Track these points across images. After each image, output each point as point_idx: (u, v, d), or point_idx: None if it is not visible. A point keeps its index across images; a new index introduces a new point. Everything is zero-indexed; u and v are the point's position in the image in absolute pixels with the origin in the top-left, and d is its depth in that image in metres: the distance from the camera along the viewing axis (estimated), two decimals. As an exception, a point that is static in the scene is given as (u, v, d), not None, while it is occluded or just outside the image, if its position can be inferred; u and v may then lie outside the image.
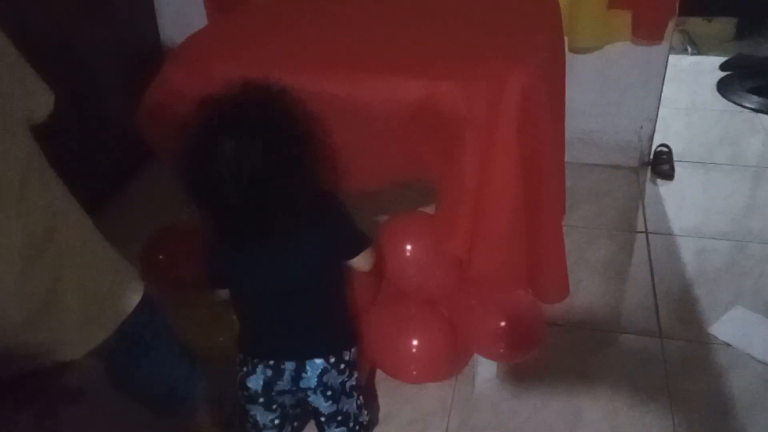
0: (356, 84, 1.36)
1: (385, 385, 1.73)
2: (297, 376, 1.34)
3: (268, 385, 1.35)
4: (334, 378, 1.36)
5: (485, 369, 1.71)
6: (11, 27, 0.98)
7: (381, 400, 1.71)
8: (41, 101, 1.01)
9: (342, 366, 1.36)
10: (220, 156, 1.11)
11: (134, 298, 1.10)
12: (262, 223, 1.19)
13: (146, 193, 2.48)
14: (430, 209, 1.58)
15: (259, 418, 1.38)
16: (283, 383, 1.34)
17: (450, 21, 1.62)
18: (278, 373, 1.33)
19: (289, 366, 1.33)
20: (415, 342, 1.45)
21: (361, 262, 1.38)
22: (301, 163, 1.16)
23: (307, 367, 1.33)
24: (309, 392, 1.36)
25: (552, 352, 1.82)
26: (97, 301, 1.05)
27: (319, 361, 1.33)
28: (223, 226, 1.24)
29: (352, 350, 1.40)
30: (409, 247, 1.57)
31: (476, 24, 1.60)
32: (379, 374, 1.74)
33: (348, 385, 1.39)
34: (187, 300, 1.67)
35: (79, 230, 1.05)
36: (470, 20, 1.62)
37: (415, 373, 1.49)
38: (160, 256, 1.78)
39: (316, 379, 1.34)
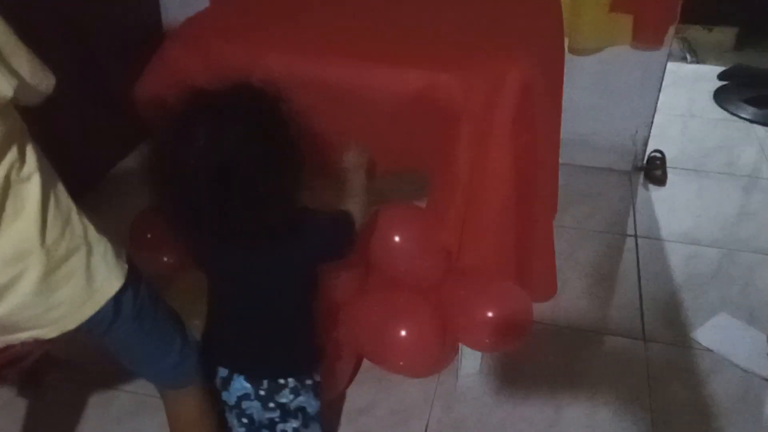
0: (354, 71, 1.37)
1: (368, 375, 1.73)
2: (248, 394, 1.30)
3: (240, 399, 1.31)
4: (288, 397, 1.30)
5: (469, 363, 1.72)
6: (11, 4, 0.97)
7: (364, 390, 1.71)
8: (35, 83, 0.99)
9: (300, 389, 1.31)
10: (193, 142, 1.05)
11: (120, 277, 1.10)
12: (227, 222, 1.11)
13: (136, 174, 2.48)
14: (420, 203, 1.58)
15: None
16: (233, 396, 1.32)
17: (452, 13, 1.62)
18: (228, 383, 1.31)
19: (240, 380, 1.30)
20: (403, 332, 1.45)
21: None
22: (275, 165, 1.09)
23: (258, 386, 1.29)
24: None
25: (536, 349, 1.83)
26: (84, 279, 1.05)
27: (267, 381, 1.29)
28: (188, 221, 1.16)
29: (315, 376, 1.34)
30: (398, 238, 1.57)
31: (478, 17, 1.60)
32: (364, 364, 1.75)
33: (308, 410, 1.33)
34: (171, 280, 1.68)
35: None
36: (472, 13, 1.62)
37: (401, 363, 1.49)
38: (148, 235, 1.77)
39: (259, 401, 1.29)
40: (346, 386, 1.70)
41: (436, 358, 1.51)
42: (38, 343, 1.28)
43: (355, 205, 1.32)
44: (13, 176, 0.95)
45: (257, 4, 1.81)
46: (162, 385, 1.32)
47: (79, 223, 1.05)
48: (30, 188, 0.97)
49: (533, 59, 1.40)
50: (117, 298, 1.09)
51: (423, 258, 1.54)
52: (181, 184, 1.07)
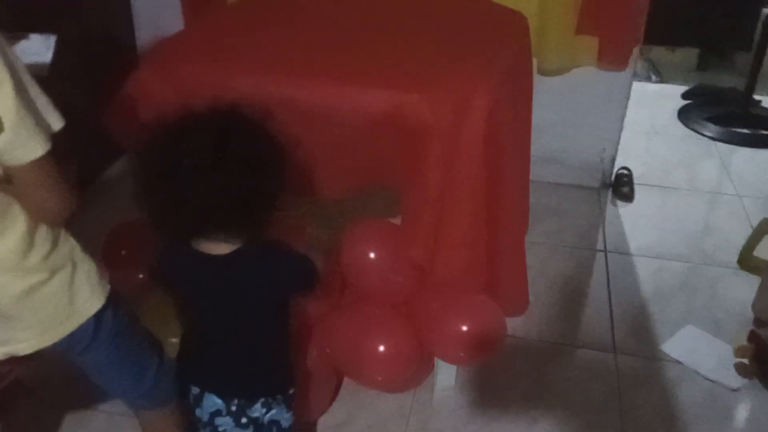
0: (325, 91, 1.40)
1: (344, 390, 1.74)
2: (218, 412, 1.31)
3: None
4: (260, 411, 1.31)
5: (444, 377, 1.74)
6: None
7: (340, 405, 1.72)
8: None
9: (272, 402, 1.31)
10: (187, 146, 1.09)
11: (102, 297, 1.11)
12: (209, 226, 1.17)
13: (112, 189, 2.49)
14: (393, 220, 1.61)
15: None
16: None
17: (420, 33, 1.67)
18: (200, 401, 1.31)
19: (212, 397, 1.30)
20: (380, 347, 1.47)
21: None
22: (259, 177, 1.13)
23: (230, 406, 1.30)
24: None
25: (509, 362, 1.86)
26: (66, 297, 1.06)
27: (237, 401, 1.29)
28: (171, 225, 1.19)
29: (287, 395, 1.35)
30: (372, 254, 1.59)
31: (447, 37, 1.65)
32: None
33: (282, 424, 1.33)
34: (145, 298, 1.68)
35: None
36: (441, 33, 1.67)
37: (379, 378, 1.51)
38: (122, 252, 1.77)
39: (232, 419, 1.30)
40: (328, 406, 1.71)
41: (413, 373, 1.53)
42: (12, 364, 1.28)
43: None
44: (3, 193, 0.95)
45: (229, 26, 1.83)
46: (138, 405, 1.32)
47: (65, 242, 1.06)
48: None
49: (500, 79, 1.45)
50: (97, 318, 1.10)
51: (396, 273, 1.56)
52: (171, 190, 1.10)
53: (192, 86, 1.40)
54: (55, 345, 1.08)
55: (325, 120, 1.37)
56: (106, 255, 1.71)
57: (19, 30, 1.28)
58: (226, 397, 1.29)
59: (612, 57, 2.44)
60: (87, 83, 2.43)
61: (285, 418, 1.33)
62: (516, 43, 1.70)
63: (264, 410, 1.30)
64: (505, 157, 1.50)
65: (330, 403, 1.71)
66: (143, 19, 2.73)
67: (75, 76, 2.40)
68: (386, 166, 1.43)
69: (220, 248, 1.19)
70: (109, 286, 1.13)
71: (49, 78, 1.07)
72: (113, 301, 1.13)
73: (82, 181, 2.43)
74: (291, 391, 1.35)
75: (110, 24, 2.68)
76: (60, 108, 0.99)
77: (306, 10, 1.86)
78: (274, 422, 1.32)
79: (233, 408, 1.30)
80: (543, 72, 2.48)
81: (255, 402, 1.29)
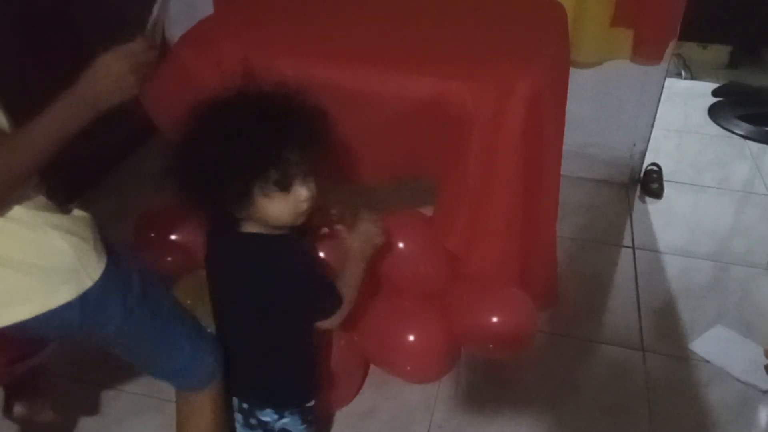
0: (367, 76, 1.38)
1: (369, 380, 1.74)
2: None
3: None
4: (271, 416, 1.30)
5: (471, 369, 1.72)
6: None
7: (366, 395, 1.72)
8: None
9: (284, 411, 1.31)
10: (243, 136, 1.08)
11: (93, 275, 1.06)
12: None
13: (141, 172, 2.50)
14: (425, 210, 1.60)
15: None
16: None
17: (462, 21, 1.64)
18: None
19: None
20: (411, 337, 1.46)
21: (328, 323, 1.31)
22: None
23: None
24: None
25: (536, 357, 1.84)
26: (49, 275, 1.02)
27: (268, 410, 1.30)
28: (212, 213, 1.22)
29: (303, 407, 1.34)
30: (403, 245, 1.58)
31: (488, 26, 1.62)
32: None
33: None
34: (175, 280, 1.68)
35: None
36: (482, 22, 1.65)
37: (408, 368, 1.50)
38: (151, 234, 1.77)
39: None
40: (354, 396, 1.70)
41: (442, 364, 1.51)
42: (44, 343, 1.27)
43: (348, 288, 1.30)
44: None
45: (264, 9, 1.82)
46: (173, 385, 1.31)
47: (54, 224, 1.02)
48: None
49: (542, 68, 1.42)
50: (96, 297, 1.05)
51: (428, 264, 1.55)
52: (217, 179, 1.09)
53: (234, 66, 1.39)
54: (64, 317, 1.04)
55: (366, 105, 1.35)
56: (137, 238, 1.71)
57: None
58: (238, 396, 1.29)
59: (647, 51, 2.40)
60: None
61: (299, 429, 1.32)
62: (555, 33, 1.67)
63: (276, 416, 1.29)
64: (543, 148, 1.48)
65: (356, 393, 1.70)
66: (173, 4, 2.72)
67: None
68: (425, 153, 1.42)
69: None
70: (104, 265, 1.06)
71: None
72: (117, 282, 1.09)
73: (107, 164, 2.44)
74: (309, 404, 1.33)
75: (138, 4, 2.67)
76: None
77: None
78: (285, 431, 1.30)
79: (244, 406, 1.29)
80: (576, 64, 2.43)
81: (265, 407, 1.29)
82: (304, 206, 1.15)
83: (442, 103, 1.33)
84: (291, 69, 1.38)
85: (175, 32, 2.59)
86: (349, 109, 1.35)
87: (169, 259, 1.72)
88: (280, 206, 1.13)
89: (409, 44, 1.50)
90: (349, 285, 1.29)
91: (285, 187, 1.11)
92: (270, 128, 1.08)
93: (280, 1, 1.85)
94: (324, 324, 1.30)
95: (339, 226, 1.33)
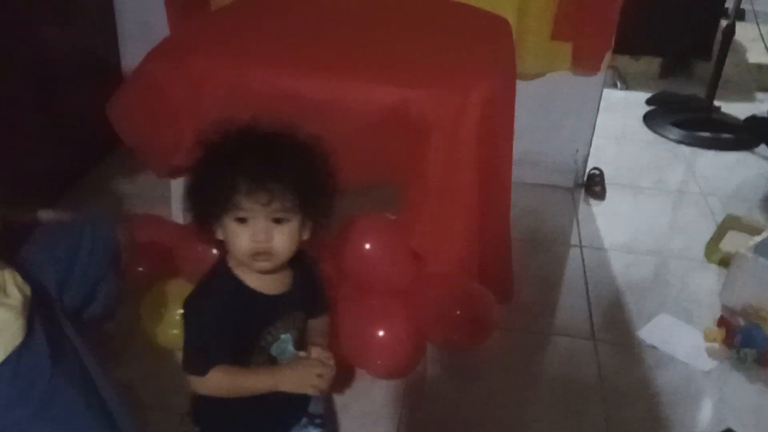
0: (332, 86, 1.47)
1: (338, 379, 1.79)
2: None
3: None
4: None
5: (435, 364, 1.81)
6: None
7: (335, 393, 1.78)
8: None
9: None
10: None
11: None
12: None
13: (103, 187, 2.53)
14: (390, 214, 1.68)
15: None
16: None
17: (418, 33, 1.75)
18: None
19: None
20: (381, 333, 1.53)
21: (320, 324, 1.31)
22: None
23: None
24: None
25: (496, 352, 1.93)
26: None
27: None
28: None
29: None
30: (369, 245, 1.66)
31: (442, 37, 1.73)
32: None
33: None
34: (146, 289, 1.72)
35: None
36: (437, 33, 1.76)
37: (379, 362, 1.57)
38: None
39: None
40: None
41: (410, 357, 1.59)
42: None
43: None
44: None
45: (225, 25, 1.88)
46: None
47: None
48: None
49: (494, 77, 1.53)
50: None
51: (394, 263, 1.63)
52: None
53: (203, 79, 1.45)
54: None
55: (331, 114, 1.43)
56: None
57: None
58: None
59: (585, 62, 2.56)
60: (73, 85, 2.45)
61: None
62: (503, 45, 1.80)
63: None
64: (496, 152, 1.59)
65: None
66: (127, 27, 2.76)
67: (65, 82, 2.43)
68: (388, 159, 1.50)
69: None
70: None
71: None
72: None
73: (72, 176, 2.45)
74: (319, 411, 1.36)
75: (95, 32, 2.70)
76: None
77: (301, 13, 1.93)
78: None
79: None
80: (520, 75, 2.55)
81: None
82: (258, 246, 1.08)
83: (403, 110, 1.42)
84: (258, 81, 1.45)
85: (131, 51, 2.70)
86: (316, 117, 1.42)
87: (140, 269, 1.75)
88: (237, 238, 1.08)
89: (369, 55, 1.59)
90: (243, 381, 1.15)
91: (243, 218, 1.07)
92: (256, 158, 1.06)
93: (238, 17, 1.92)
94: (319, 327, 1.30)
95: (302, 352, 1.22)
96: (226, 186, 1.05)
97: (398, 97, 1.42)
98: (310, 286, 1.25)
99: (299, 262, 1.19)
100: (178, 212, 1.86)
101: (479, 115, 1.44)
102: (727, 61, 3.41)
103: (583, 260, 2.41)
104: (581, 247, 2.49)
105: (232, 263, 1.15)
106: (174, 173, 1.62)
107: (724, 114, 3.57)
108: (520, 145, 2.44)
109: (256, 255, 1.09)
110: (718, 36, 3.44)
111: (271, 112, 1.07)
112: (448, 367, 1.86)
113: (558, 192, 2.84)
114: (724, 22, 3.41)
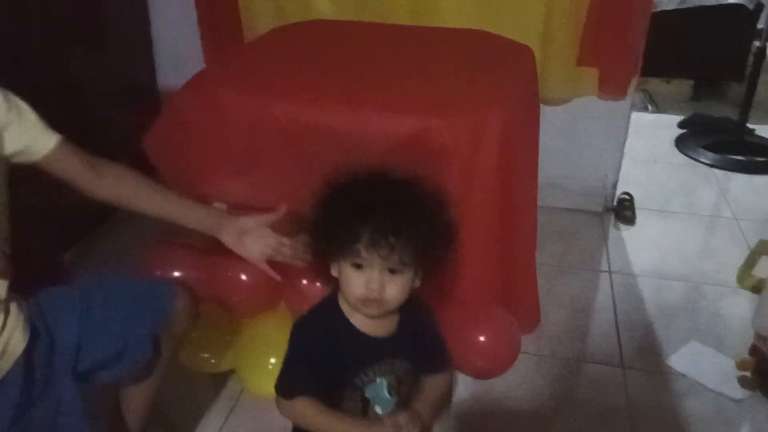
0: (353, 118, 1.51)
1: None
2: None
3: None
4: None
5: (461, 388, 1.81)
6: (12, 59, 1.09)
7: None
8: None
9: None
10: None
11: None
12: None
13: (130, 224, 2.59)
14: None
15: None
16: None
17: (437, 62, 1.78)
18: None
19: None
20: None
21: (433, 387, 1.24)
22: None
23: None
24: None
25: (521, 377, 1.93)
26: None
27: None
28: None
29: None
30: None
31: (462, 66, 1.77)
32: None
33: None
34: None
35: None
36: (456, 63, 1.79)
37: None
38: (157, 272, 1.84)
39: None
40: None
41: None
42: None
43: None
44: None
45: (255, 60, 1.95)
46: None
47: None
48: None
49: (512, 104, 1.56)
50: None
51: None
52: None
53: (231, 113, 1.51)
54: None
55: (352, 144, 1.47)
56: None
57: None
58: None
59: (611, 87, 2.56)
60: (110, 120, 2.54)
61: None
62: (524, 73, 1.82)
63: None
64: (517, 177, 1.60)
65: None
66: (164, 58, 2.86)
67: (100, 114, 2.52)
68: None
69: None
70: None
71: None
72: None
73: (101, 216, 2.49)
74: None
75: (132, 63, 2.80)
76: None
77: (327, 44, 1.99)
78: None
79: None
80: (547, 101, 2.59)
81: None
82: (370, 294, 1.09)
83: (422, 138, 1.45)
84: (283, 114, 1.50)
85: (168, 81, 2.78)
86: (339, 147, 1.47)
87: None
88: (351, 282, 1.10)
89: (392, 85, 1.63)
90: (326, 421, 1.14)
91: (359, 264, 1.09)
92: (382, 211, 1.07)
93: (268, 52, 1.99)
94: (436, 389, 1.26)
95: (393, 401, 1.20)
96: (350, 235, 1.07)
97: (417, 126, 1.45)
98: (420, 337, 1.23)
99: (409, 307, 1.18)
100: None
101: (497, 140, 1.46)
102: (760, 82, 3.38)
103: (612, 286, 2.39)
104: (610, 272, 2.47)
105: (341, 300, 1.17)
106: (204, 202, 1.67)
107: (758, 136, 3.53)
108: (547, 169, 2.46)
109: (367, 301, 1.10)
110: (750, 57, 3.41)
111: (396, 157, 1.12)
112: (473, 391, 1.86)
113: (587, 216, 2.83)
114: (756, 44, 3.38)
